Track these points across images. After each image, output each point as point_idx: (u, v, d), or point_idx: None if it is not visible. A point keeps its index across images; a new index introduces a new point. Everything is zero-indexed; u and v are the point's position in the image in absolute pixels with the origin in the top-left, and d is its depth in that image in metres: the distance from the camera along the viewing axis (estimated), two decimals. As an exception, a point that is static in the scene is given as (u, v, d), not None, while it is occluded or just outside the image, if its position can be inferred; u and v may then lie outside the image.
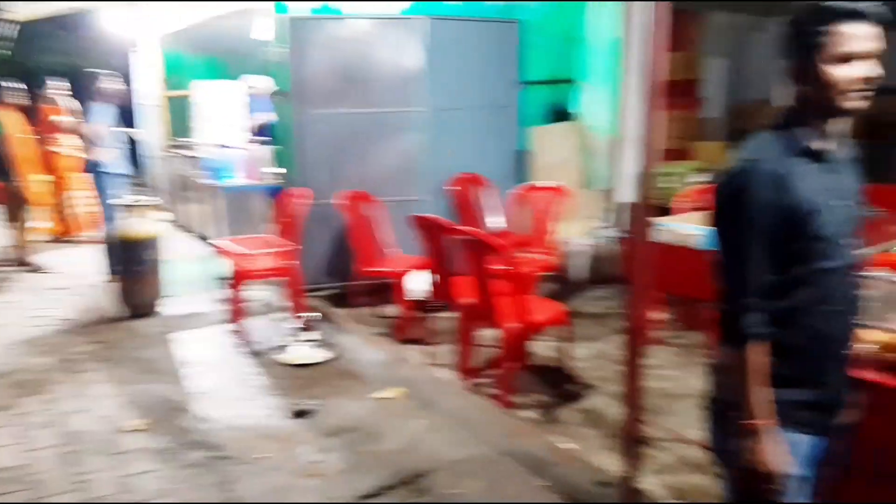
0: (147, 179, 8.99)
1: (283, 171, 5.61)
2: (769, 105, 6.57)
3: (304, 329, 4.47)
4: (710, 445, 1.68)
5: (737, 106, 7.22)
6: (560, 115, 6.24)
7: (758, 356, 1.47)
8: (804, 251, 1.46)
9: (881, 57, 1.43)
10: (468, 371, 3.86)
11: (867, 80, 1.42)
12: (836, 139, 1.52)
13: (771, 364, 1.49)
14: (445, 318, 4.56)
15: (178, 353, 4.42)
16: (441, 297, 4.25)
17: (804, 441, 1.55)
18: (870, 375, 1.79)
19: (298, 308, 4.74)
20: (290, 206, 4.83)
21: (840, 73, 1.41)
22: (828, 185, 1.48)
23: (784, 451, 1.49)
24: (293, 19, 5.08)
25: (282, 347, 4.38)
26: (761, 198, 1.42)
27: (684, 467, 2.98)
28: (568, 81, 6.25)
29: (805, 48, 1.43)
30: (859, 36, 1.40)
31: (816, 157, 1.48)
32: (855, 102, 1.44)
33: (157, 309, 5.13)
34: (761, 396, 1.48)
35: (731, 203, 1.47)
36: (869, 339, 1.87)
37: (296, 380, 4.00)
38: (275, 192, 5.61)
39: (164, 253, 5.20)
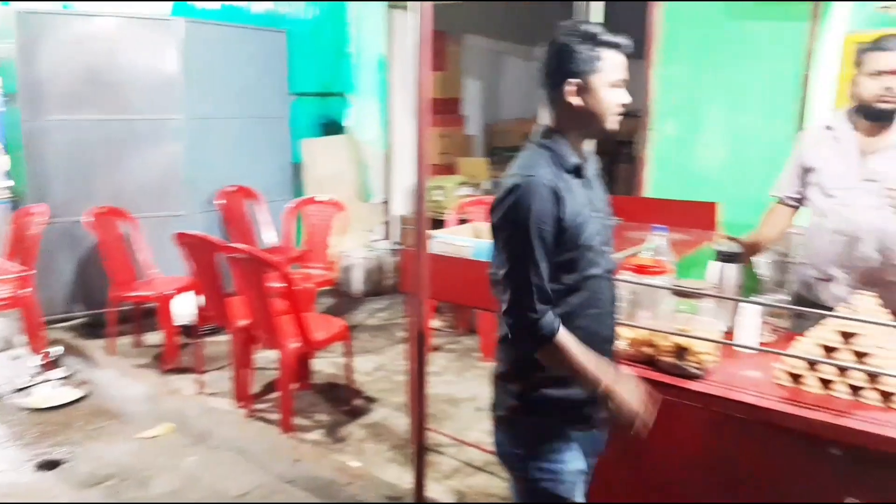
0: None
1: (12, 184, 4.86)
2: (523, 124, 7.19)
3: (47, 366, 3.89)
4: (497, 451, 1.74)
5: (493, 124, 7.79)
6: (331, 127, 6.22)
7: (566, 340, 1.53)
8: (575, 260, 1.57)
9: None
10: (246, 397, 3.64)
11: (625, 104, 1.58)
12: (588, 156, 1.67)
13: (550, 368, 1.58)
14: (218, 342, 4.29)
15: None
16: (212, 320, 3.97)
17: (585, 437, 1.67)
18: (624, 369, 1.99)
19: (38, 342, 4.12)
20: (23, 225, 4.19)
21: (609, 96, 1.56)
22: (588, 199, 1.62)
23: (640, 387, 1.59)
24: (20, 13, 4.43)
25: (21, 390, 3.77)
26: (542, 210, 1.49)
27: (468, 470, 3.10)
28: (338, 94, 6.25)
29: (578, 71, 1.54)
30: (621, 64, 1.56)
31: (578, 172, 1.61)
32: (614, 124, 1.59)
33: None
34: (592, 363, 1.55)
35: (512, 216, 1.51)
36: (621, 335, 2.09)
37: (41, 426, 3.46)
38: (4, 209, 4.83)
39: None
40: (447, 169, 6.37)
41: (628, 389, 1.57)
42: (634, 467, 1.97)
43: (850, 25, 3.52)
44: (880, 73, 2.13)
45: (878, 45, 2.15)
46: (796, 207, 2.47)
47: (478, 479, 3.02)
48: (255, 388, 3.79)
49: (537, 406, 1.63)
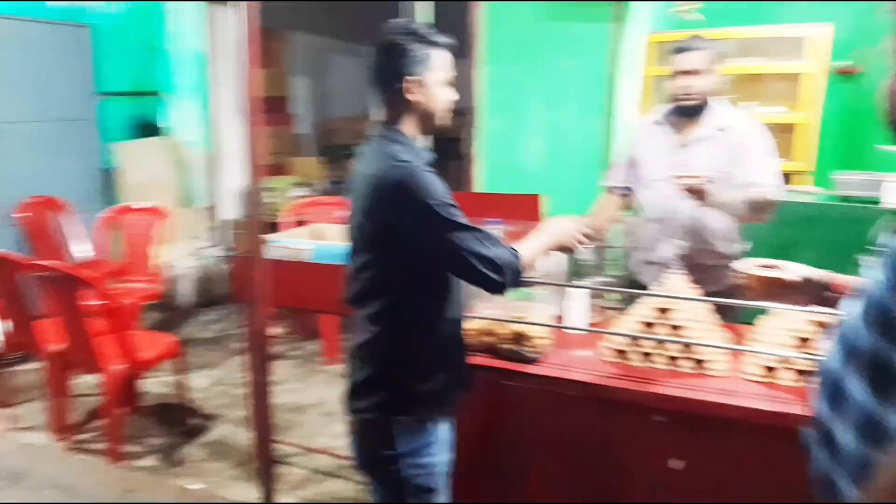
0: None
1: None
2: (353, 122, 7.15)
3: None
4: (361, 455, 1.71)
5: (324, 122, 7.68)
6: (147, 129, 5.78)
7: (525, 250, 1.60)
8: None
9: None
10: (65, 429, 3.30)
11: (454, 101, 1.65)
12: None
13: (415, 360, 1.62)
14: (28, 371, 3.85)
15: None
16: (19, 347, 3.55)
17: (446, 428, 1.71)
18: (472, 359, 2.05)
19: None
20: None
21: (441, 93, 1.61)
22: None
23: (568, 223, 1.74)
24: None
25: None
26: (437, 185, 1.50)
27: (318, 477, 3.03)
28: (153, 94, 5.83)
29: (412, 70, 1.56)
30: (449, 63, 1.62)
31: (431, 165, 1.62)
32: (446, 120, 1.65)
33: None
34: (539, 243, 1.67)
35: (414, 206, 1.47)
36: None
37: None
38: None
39: None
40: (278, 169, 6.19)
41: (563, 233, 1.72)
42: (484, 452, 2.03)
43: (652, 26, 3.87)
44: (678, 73, 2.37)
45: (677, 47, 2.39)
46: (625, 196, 2.68)
47: (329, 485, 2.97)
48: (76, 417, 3.45)
49: (408, 404, 1.63)
